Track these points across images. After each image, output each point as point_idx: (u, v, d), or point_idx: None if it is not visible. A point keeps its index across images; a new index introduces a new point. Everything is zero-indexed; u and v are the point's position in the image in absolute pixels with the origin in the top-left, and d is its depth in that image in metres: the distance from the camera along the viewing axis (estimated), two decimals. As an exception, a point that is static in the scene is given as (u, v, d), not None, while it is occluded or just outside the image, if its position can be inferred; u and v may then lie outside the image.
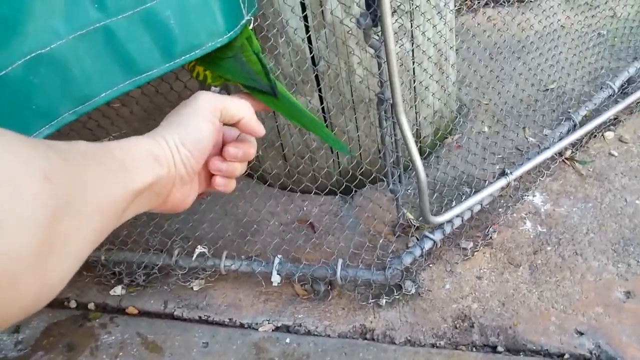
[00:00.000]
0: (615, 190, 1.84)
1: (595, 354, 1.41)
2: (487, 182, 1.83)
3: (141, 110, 2.48)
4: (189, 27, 0.76)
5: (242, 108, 0.62)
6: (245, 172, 0.69)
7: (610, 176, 1.89)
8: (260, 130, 0.64)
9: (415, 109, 1.84)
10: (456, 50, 2.13)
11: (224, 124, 0.63)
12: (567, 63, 2.47)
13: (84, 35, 0.68)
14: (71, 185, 0.41)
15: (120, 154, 0.51)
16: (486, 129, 2.18)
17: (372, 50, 1.48)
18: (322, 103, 1.62)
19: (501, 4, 3.05)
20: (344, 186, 1.80)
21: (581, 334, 1.45)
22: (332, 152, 1.80)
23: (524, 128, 2.16)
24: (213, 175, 0.64)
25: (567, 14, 2.87)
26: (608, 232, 1.70)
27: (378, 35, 1.30)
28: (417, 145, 1.88)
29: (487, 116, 2.25)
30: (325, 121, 1.70)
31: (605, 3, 2.83)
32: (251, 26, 0.85)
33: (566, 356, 1.42)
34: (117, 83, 0.75)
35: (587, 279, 1.58)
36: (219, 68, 0.82)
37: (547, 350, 1.44)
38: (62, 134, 0.72)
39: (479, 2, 3.06)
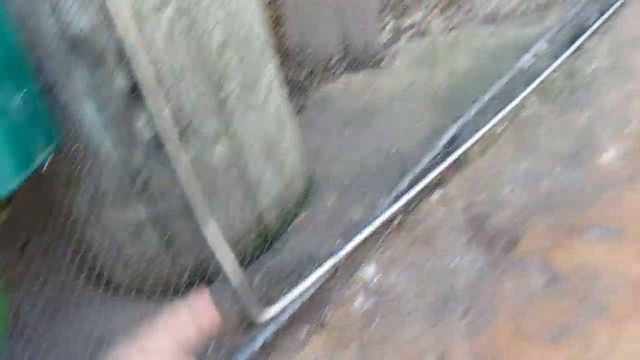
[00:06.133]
0: (438, 252, 1.96)
1: None
2: (325, 261, 1.92)
3: None
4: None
5: None
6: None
7: (434, 239, 2.01)
8: None
9: (251, 199, 1.94)
10: (303, 125, 2.27)
11: None
12: (409, 123, 2.64)
13: None
14: None
15: None
16: (330, 203, 2.30)
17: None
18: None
19: (358, 69, 3.25)
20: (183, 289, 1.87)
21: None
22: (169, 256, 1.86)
23: (364, 196, 2.28)
24: None
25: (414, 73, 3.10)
26: (427, 295, 1.81)
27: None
28: (261, 230, 2.00)
29: (335, 189, 2.37)
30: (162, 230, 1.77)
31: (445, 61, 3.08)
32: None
33: None
34: None
35: (404, 350, 1.67)
36: None
37: None
38: None
39: (336, 70, 3.25)
